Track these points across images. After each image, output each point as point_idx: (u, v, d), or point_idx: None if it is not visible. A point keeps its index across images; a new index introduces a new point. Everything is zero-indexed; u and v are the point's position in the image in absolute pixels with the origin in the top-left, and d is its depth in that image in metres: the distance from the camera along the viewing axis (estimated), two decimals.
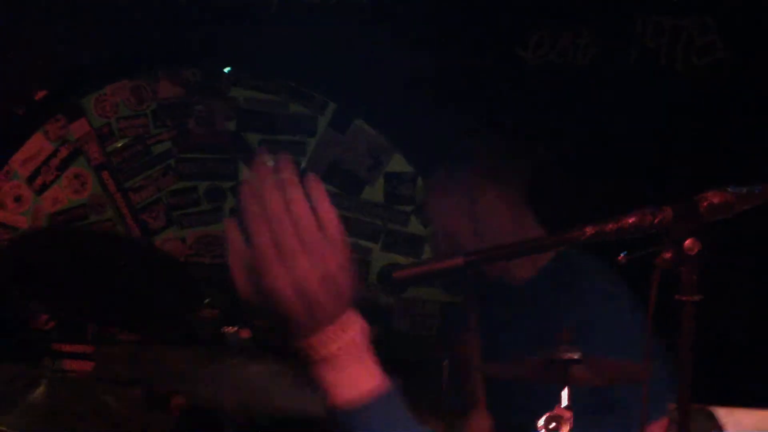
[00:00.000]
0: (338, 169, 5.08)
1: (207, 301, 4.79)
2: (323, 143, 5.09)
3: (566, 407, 2.60)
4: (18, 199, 5.15)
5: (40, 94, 5.03)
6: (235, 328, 3.12)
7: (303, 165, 5.11)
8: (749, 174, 1.99)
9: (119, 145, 5.19)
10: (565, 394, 2.62)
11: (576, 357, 2.66)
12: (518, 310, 3.44)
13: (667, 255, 1.84)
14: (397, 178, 5.05)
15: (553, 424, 2.58)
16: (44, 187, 5.16)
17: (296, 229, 1.49)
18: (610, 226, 1.86)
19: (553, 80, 4.72)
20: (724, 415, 2.73)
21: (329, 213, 1.53)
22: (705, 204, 1.86)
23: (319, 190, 1.53)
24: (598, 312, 3.25)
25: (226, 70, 5.16)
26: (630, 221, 1.87)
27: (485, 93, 4.70)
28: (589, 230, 1.88)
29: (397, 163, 5.06)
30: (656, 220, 1.86)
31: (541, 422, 2.60)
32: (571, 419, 2.57)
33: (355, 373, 1.54)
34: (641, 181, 4.39)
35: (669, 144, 4.48)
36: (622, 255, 1.91)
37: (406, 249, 5.05)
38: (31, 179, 5.16)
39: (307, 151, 5.12)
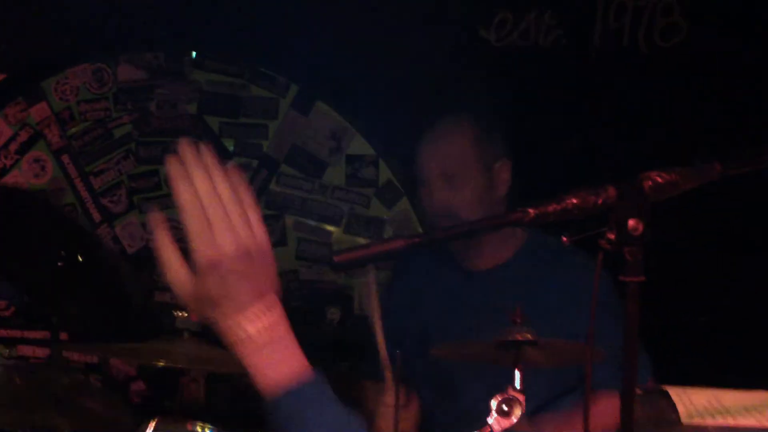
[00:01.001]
0: (300, 151, 5.05)
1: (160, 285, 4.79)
2: (285, 126, 5.05)
3: (518, 390, 2.59)
4: None
5: (0, 77, 4.99)
6: (186, 313, 3.09)
7: (265, 148, 5.07)
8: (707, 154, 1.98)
9: (80, 128, 5.14)
10: (517, 375, 2.62)
11: (528, 338, 2.65)
12: (484, 294, 3.44)
13: (611, 236, 1.83)
14: (358, 161, 5.03)
15: (505, 407, 2.57)
16: (3, 171, 5.10)
17: (222, 207, 1.54)
18: (553, 206, 1.85)
19: (516, 62, 4.72)
20: (677, 394, 2.73)
21: (249, 198, 1.59)
22: (649, 183, 1.84)
23: (240, 177, 1.60)
24: (579, 285, 3.24)
25: (193, 54, 5.11)
26: (573, 201, 1.85)
27: (449, 74, 4.68)
28: (532, 211, 1.86)
29: (359, 146, 5.03)
30: (600, 200, 1.84)
31: (493, 404, 2.59)
32: (523, 402, 2.57)
33: (276, 355, 1.55)
34: (604, 162, 4.40)
35: (630, 124, 4.49)
36: (565, 237, 1.90)
37: (368, 231, 5.03)
38: None
39: (269, 133, 5.09)
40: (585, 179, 1.90)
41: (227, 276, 1.53)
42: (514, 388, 2.58)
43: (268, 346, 1.55)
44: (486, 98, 4.35)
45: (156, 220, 1.63)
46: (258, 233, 1.58)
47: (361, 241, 5.04)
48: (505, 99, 4.48)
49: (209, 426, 3.64)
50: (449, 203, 3.38)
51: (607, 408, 2.97)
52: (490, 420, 2.57)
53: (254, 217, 1.59)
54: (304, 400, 1.53)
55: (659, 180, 1.84)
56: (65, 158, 5.13)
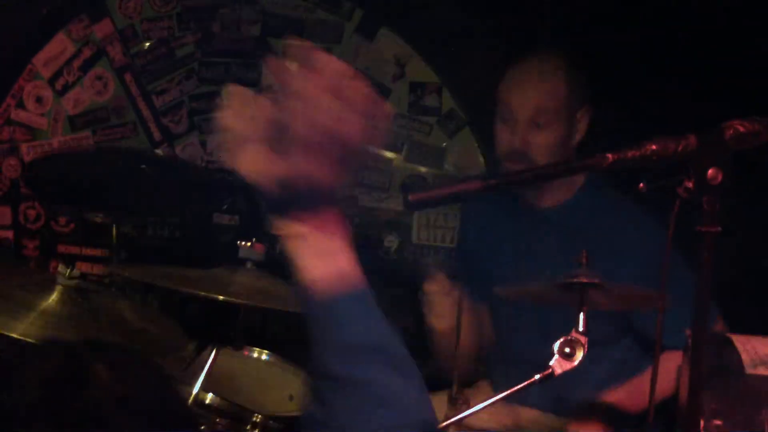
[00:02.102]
0: (363, 77, 4.99)
1: (225, 206, 4.79)
2: (349, 51, 5.00)
3: (581, 332, 2.56)
4: (39, 99, 5.11)
5: None
6: (250, 243, 3.08)
7: None
8: None
9: (142, 47, 5.12)
10: (581, 318, 2.59)
11: (593, 281, 2.61)
12: (548, 234, 3.41)
13: (689, 184, 1.79)
14: (421, 88, 4.98)
15: (568, 349, 2.55)
16: (66, 87, 5.11)
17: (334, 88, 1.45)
18: (632, 152, 1.81)
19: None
20: (741, 342, 2.70)
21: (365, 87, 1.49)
22: (730, 132, 1.81)
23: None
24: (630, 236, 3.22)
25: None
26: (652, 148, 1.82)
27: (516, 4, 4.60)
28: (611, 156, 1.83)
29: (423, 73, 4.97)
30: (680, 148, 1.81)
31: (556, 346, 2.57)
32: (586, 345, 2.54)
33: (330, 254, 1.50)
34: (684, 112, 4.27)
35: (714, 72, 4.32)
36: (642, 183, 1.86)
37: (428, 160, 5.00)
38: (52, 80, 5.11)
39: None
40: (664, 130, 1.85)
41: (320, 164, 1.46)
42: (578, 331, 2.55)
43: (323, 245, 1.50)
44: (563, 34, 4.26)
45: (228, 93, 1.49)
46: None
47: (421, 169, 5.01)
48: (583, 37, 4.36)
49: (266, 351, 3.66)
50: (531, 145, 3.29)
51: (668, 371, 2.97)
52: (552, 362, 2.54)
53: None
54: (354, 305, 1.50)
55: (741, 129, 1.80)
56: (127, 76, 5.13)
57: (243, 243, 3.04)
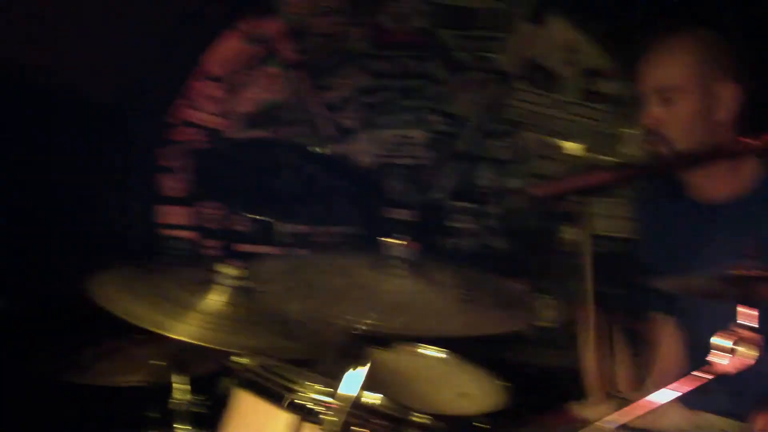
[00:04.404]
0: (535, 65, 4.90)
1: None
2: (520, 38, 4.90)
3: (756, 329, 2.40)
4: (211, 98, 5.14)
5: None
6: (404, 241, 2.99)
7: (499, 62, 4.95)
8: None
9: (312, 42, 5.11)
10: (755, 314, 2.42)
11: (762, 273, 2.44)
12: (719, 232, 3.24)
13: None
14: (595, 75, 4.84)
15: (742, 347, 2.39)
16: (237, 86, 5.14)
17: None
18: None
19: None
20: None
21: None
22: None
23: None
24: None
25: None
26: None
27: None
28: None
29: (596, 59, 4.83)
30: None
31: (728, 344, 2.41)
32: (761, 343, 2.37)
33: None
34: None
35: None
36: None
37: (606, 148, 4.86)
38: (224, 79, 5.14)
39: (503, 47, 4.95)
40: None
41: None
42: (752, 328, 2.39)
43: None
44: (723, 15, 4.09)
45: None
46: None
47: (601, 158, 4.88)
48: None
49: (439, 348, 3.58)
50: (661, 121, 3.19)
51: None
52: (724, 361, 2.39)
53: None
54: None
55: None
56: (298, 73, 5.12)
57: (395, 240, 2.94)
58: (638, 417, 2.54)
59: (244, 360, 2.92)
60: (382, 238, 2.87)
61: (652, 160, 2.97)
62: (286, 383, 2.82)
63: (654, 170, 2.17)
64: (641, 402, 2.55)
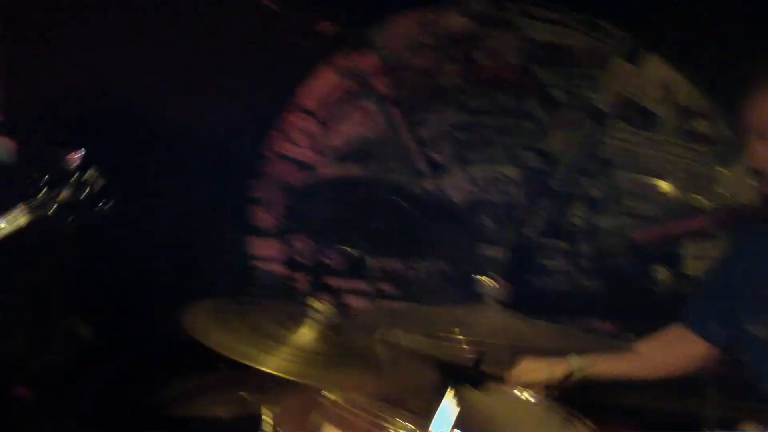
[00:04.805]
0: (630, 103, 4.86)
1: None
2: (615, 76, 4.87)
3: None
4: (305, 132, 5.17)
5: (326, 26, 5.03)
6: (492, 279, 2.98)
7: (594, 99, 4.91)
8: None
9: (406, 77, 5.12)
10: None
11: None
12: None
13: None
14: (691, 114, 4.79)
15: None
16: (331, 120, 5.16)
17: None
18: None
19: None
20: None
21: None
22: None
23: None
24: None
25: None
26: None
27: None
28: None
29: (692, 99, 4.78)
30: None
31: None
32: None
33: None
34: None
35: None
36: None
37: (701, 189, 4.79)
38: (317, 113, 5.17)
39: (599, 84, 4.92)
40: None
41: None
42: None
43: None
44: None
45: None
46: None
47: (696, 198, 4.82)
48: None
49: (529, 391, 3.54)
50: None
51: None
52: None
53: None
54: None
55: None
56: (392, 108, 5.13)
57: (484, 279, 2.94)
58: None
59: (333, 395, 2.92)
60: (474, 276, 2.86)
61: (760, 201, 2.90)
62: (374, 419, 2.82)
63: (762, 213, 2.12)
64: None
